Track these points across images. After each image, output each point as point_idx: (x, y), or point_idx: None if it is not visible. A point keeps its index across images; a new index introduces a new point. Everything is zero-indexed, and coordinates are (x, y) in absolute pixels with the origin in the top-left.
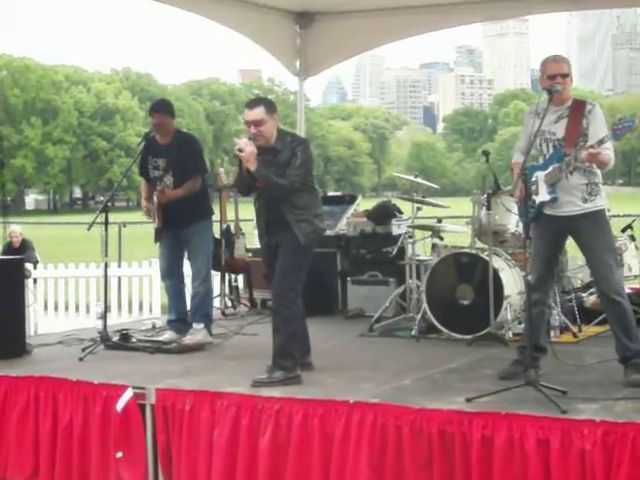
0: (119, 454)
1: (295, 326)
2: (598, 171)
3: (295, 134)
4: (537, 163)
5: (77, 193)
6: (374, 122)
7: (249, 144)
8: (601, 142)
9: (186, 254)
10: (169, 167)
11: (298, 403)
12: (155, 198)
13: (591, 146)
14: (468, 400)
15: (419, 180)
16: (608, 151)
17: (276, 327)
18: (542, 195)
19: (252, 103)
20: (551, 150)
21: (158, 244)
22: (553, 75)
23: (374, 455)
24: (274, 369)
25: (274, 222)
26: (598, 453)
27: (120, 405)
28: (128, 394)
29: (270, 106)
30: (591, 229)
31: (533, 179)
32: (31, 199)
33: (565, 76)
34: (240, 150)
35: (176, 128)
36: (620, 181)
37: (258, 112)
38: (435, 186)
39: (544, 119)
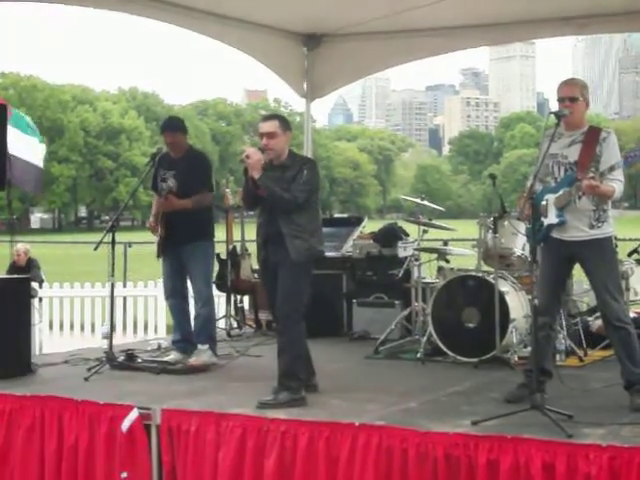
0: (124, 474)
1: (300, 347)
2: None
3: (305, 156)
4: (549, 186)
5: (82, 212)
6: (380, 144)
7: (256, 153)
8: (612, 169)
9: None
10: (176, 179)
11: (304, 425)
12: (159, 205)
13: (592, 177)
14: (474, 423)
15: (425, 202)
16: (613, 183)
17: (282, 348)
18: (550, 218)
19: (268, 116)
20: (562, 174)
21: (161, 263)
22: (562, 98)
23: (379, 478)
24: (280, 390)
25: (273, 238)
26: (604, 478)
27: (125, 425)
28: (134, 414)
29: (284, 122)
30: (595, 256)
31: (544, 202)
32: (36, 218)
33: (574, 100)
34: (247, 157)
35: (189, 145)
36: (626, 204)
37: (272, 125)
38: (441, 208)
39: (557, 142)
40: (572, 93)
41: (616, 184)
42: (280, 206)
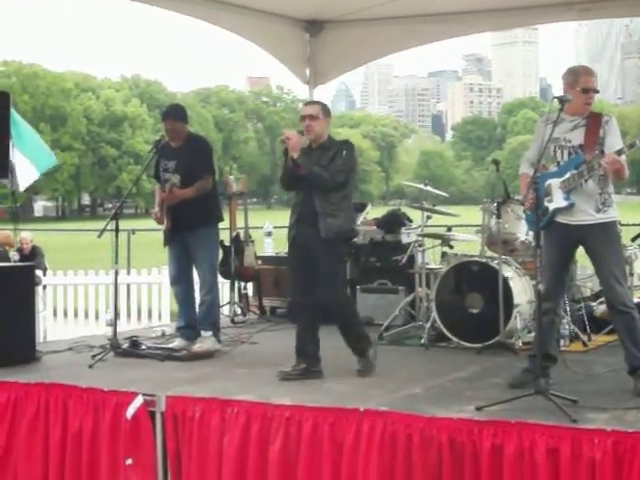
0: (129, 461)
1: (358, 316)
2: (610, 181)
3: (343, 139)
4: (549, 170)
5: (85, 200)
6: (383, 130)
7: (296, 134)
8: (620, 152)
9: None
10: (178, 169)
11: (308, 411)
12: (163, 199)
13: (619, 151)
14: (478, 409)
15: (429, 188)
16: (624, 163)
17: (345, 325)
18: (558, 202)
19: (310, 101)
20: (566, 157)
21: (168, 250)
22: (588, 89)
23: (384, 463)
24: (365, 355)
25: (306, 218)
26: (608, 462)
27: (130, 412)
28: (138, 401)
29: (326, 108)
30: (601, 240)
31: (545, 186)
32: (40, 206)
33: (596, 92)
34: (288, 138)
35: (188, 132)
36: (628, 190)
37: (314, 108)
38: (444, 194)
39: (559, 126)
40: (596, 85)
41: (625, 164)
42: (319, 184)
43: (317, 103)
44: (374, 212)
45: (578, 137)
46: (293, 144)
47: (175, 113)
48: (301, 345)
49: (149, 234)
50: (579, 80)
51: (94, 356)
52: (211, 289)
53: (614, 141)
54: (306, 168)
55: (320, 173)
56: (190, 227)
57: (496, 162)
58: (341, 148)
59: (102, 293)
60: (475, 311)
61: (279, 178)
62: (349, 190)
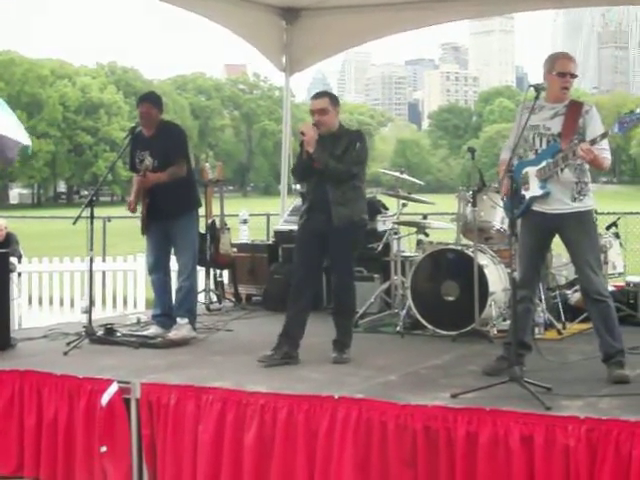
0: (103, 448)
1: (355, 311)
2: (588, 171)
3: (355, 129)
4: (527, 158)
5: (61, 187)
6: (359, 118)
7: (312, 128)
8: (593, 142)
9: (172, 249)
10: (153, 157)
11: (283, 398)
12: (137, 183)
13: (592, 141)
14: (453, 396)
15: (405, 176)
16: (604, 152)
17: (342, 311)
18: (533, 190)
19: (318, 94)
20: (544, 145)
21: (146, 238)
22: (564, 73)
23: (359, 451)
24: (343, 351)
25: (318, 205)
26: (582, 450)
27: (105, 399)
28: (113, 388)
29: (334, 99)
30: (577, 229)
31: (522, 174)
32: (15, 193)
33: (574, 76)
34: (303, 133)
35: (161, 120)
36: (604, 179)
37: (323, 102)
38: (420, 182)
39: (538, 114)
40: (574, 69)
41: (606, 153)
42: (334, 177)
43: (325, 95)
44: None
45: (557, 125)
46: (308, 139)
47: (152, 99)
48: (289, 328)
49: (125, 222)
50: (555, 65)
51: (69, 343)
52: (190, 275)
53: (595, 131)
54: (322, 162)
55: (335, 167)
56: (169, 215)
57: (472, 150)
58: (354, 140)
59: (77, 280)
60: (450, 299)
61: (291, 170)
62: (360, 179)
